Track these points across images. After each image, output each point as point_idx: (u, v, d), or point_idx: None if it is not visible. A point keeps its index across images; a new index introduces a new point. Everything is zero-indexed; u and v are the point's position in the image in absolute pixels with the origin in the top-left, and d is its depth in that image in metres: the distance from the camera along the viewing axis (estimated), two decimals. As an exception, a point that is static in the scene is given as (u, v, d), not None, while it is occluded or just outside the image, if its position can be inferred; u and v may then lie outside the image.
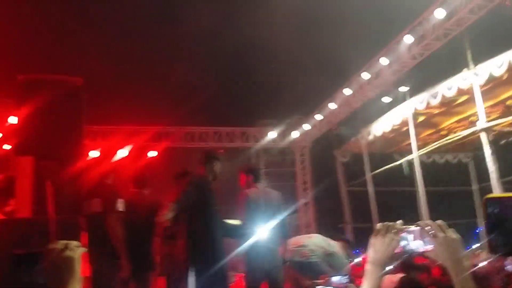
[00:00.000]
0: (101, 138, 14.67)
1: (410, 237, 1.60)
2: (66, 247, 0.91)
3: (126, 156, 14.44)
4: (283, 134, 16.59)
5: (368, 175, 13.71)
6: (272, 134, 16.44)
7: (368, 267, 1.76)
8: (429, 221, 1.57)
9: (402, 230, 1.64)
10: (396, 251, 1.65)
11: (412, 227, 1.61)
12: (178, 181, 5.34)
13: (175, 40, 14.13)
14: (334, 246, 5.72)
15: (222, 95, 16.22)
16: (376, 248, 1.70)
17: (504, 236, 0.65)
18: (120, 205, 5.07)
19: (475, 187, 14.96)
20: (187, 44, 14.56)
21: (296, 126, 16.09)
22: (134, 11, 13.37)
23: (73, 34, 11.81)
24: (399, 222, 1.67)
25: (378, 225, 1.73)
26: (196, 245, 4.42)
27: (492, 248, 0.67)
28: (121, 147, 14.69)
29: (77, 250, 0.91)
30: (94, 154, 12.74)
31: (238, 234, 4.90)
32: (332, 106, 14.04)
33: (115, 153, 14.36)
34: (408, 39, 10.65)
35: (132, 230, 5.05)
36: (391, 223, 1.68)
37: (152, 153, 15.36)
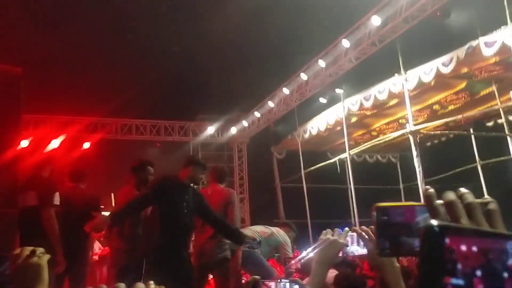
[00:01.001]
0: (32, 127, 14.12)
1: (349, 241, 1.82)
2: (32, 253, 0.96)
3: (59, 147, 13.98)
4: (222, 130, 16.70)
5: (303, 172, 14.08)
6: (210, 129, 16.50)
7: (315, 265, 1.94)
8: (358, 228, 1.78)
9: (346, 235, 1.85)
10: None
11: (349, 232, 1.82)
12: (135, 174, 5.30)
13: (115, 29, 13.81)
14: (272, 229, 5.91)
15: (161, 88, 16.03)
16: (323, 249, 1.89)
17: (390, 240, 0.76)
18: (56, 199, 4.96)
19: (402, 185, 15.73)
20: (127, 33, 14.26)
21: (234, 122, 16.24)
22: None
23: (5, 20, 11.26)
24: (346, 229, 1.88)
25: (324, 231, 1.93)
26: (153, 243, 4.45)
27: (380, 251, 0.79)
28: (55, 137, 14.21)
29: (43, 257, 0.96)
30: (24, 143, 12.25)
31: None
32: (270, 104, 14.31)
33: (48, 143, 13.87)
34: (346, 43, 11.06)
35: (68, 225, 4.96)
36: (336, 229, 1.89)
37: (87, 145, 14.97)
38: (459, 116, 10.41)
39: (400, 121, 12.30)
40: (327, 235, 1.95)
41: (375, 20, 10.22)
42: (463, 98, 10.87)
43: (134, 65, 15.40)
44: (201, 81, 16.43)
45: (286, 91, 13.52)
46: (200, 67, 15.33)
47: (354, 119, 12.56)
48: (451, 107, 11.23)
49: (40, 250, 0.95)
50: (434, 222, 0.47)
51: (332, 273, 4.13)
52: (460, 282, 0.45)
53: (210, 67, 15.32)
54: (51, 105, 14.15)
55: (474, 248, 0.46)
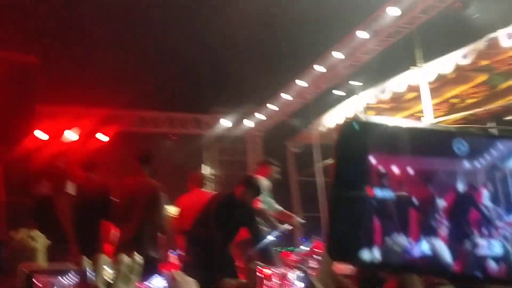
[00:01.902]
0: (47, 118, 14.20)
1: None
2: (29, 237, 0.92)
3: (75, 139, 14.06)
4: (236, 123, 16.66)
5: (318, 166, 13.98)
6: (225, 122, 16.47)
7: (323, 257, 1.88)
8: None
9: None
10: None
11: None
12: (141, 164, 5.27)
13: (131, 21, 13.83)
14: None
15: (177, 80, 16.04)
16: None
17: None
18: (70, 188, 4.98)
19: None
20: (143, 25, 14.27)
21: (249, 115, 16.18)
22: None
23: (21, 12, 11.34)
24: None
25: None
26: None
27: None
28: (69, 128, 14.28)
29: (40, 240, 0.92)
30: (40, 135, 12.34)
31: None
32: (285, 96, 14.21)
33: (62, 135, 13.95)
34: (362, 34, 10.91)
35: (80, 213, 4.98)
36: None
37: (102, 137, 15.03)
38: (479, 110, 10.22)
39: (417, 115, 12.11)
40: None
41: (393, 11, 10.06)
42: (483, 92, 10.65)
43: (149, 57, 15.44)
44: (217, 74, 16.40)
45: (301, 83, 13.41)
46: (216, 59, 15.29)
47: (371, 113, 12.39)
48: (470, 101, 11.02)
49: (38, 234, 0.90)
50: (355, 120, 0.39)
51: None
52: (387, 194, 0.38)
53: (226, 60, 15.28)
54: (67, 97, 14.22)
55: (408, 160, 0.39)
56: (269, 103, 15.05)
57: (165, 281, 4.72)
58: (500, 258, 0.38)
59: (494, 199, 0.41)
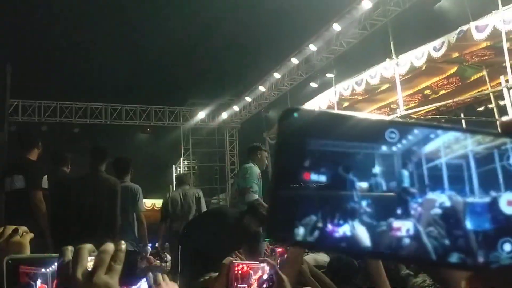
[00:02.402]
0: (21, 112, 13.97)
1: None
2: (15, 232, 0.93)
3: (47, 132, 13.86)
4: (213, 115, 16.64)
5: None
6: (201, 114, 16.44)
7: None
8: None
9: None
10: None
11: None
12: (97, 160, 5.15)
13: (106, 14, 13.65)
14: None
15: (152, 73, 15.92)
16: None
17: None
18: (45, 182, 4.91)
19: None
20: (118, 18, 14.10)
21: (225, 107, 16.18)
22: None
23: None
24: None
25: None
26: None
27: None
28: (43, 122, 14.09)
29: (26, 236, 0.94)
30: (12, 128, 12.13)
31: None
32: (261, 88, 14.25)
33: (37, 128, 13.75)
34: (337, 27, 10.99)
35: (54, 207, 4.91)
36: None
37: (74, 129, 14.84)
38: (450, 101, 10.40)
39: (391, 106, 12.28)
40: None
41: (366, 4, 10.16)
42: (454, 83, 10.84)
43: (124, 49, 15.27)
44: (192, 66, 16.34)
45: (277, 75, 13.47)
46: (191, 52, 15.23)
47: (345, 104, 12.51)
48: (442, 92, 11.21)
49: (23, 228, 0.92)
50: (292, 108, 0.44)
51: (316, 255, 4.14)
52: (322, 179, 0.42)
53: (201, 52, 15.22)
54: (39, 90, 14.00)
55: (339, 145, 0.43)
56: (246, 95, 15.06)
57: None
58: (411, 238, 0.43)
59: (411, 182, 0.46)
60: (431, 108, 11.10)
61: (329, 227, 0.42)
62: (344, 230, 0.42)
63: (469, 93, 11.07)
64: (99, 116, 15.19)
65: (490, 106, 10.64)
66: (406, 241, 0.42)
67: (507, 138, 0.44)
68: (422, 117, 11.22)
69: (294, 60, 12.63)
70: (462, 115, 11.74)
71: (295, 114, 0.42)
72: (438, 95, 11.36)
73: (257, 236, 4.59)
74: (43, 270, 1.07)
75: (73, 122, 14.82)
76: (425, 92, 11.49)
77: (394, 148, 0.42)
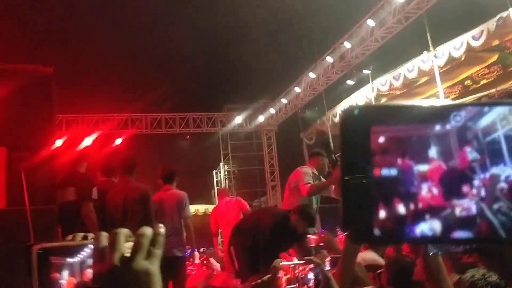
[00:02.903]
0: (65, 126, 14.44)
1: None
2: (85, 239, 0.96)
3: (92, 144, 14.27)
4: (249, 119, 16.73)
5: (334, 157, 13.96)
6: (238, 119, 16.55)
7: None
8: None
9: None
10: None
11: None
12: (127, 172, 5.31)
13: (142, 28, 13.95)
14: None
15: (188, 81, 16.14)
16: None
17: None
18: (94, 193, 5.07)
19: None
20: (153, 31, 14.39)
21: (262, 110, 16.24)
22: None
23: (37, 22, 11.52)
24: None
25: None
26: None
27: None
28: (87, 135, 14.51)
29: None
30: (58, 143, 12.52)
31: None
32: (297, 89, 14.23)
33: (81, 141, 14.17)
34: (370, 22, 10.87)
35: (104, 218, 5.06)
36: None
37: (119, 141, 15.24)
38: (493, 90, 10.12)
39: (431, 99, 12.04)
40: None
41: (400, -3, 10.01)
42: (496, 72, 10.55)
43: (160, 60, 15.54)
44: (227, 72, 16.46)
45: (312, 75, 13.42)
46: (225, 58, 15.35)
47: (383, 100, 12.36)
48: (483, 82, 10.92)
49: (90, 235, 0.94)
50: (355, 106, 0.44)
51: (367, 253, 4.09)
52: (393, 172, 0.41)
53: (235, 57, 15.32)
54: (82, 104, 14.43)
55: (401, 134, 0.43)
56: (281, 97, 15.08)
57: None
58: (478, 217, 0.43)
59: (476, 159, 0.46)
60: (472, 99, 10.83)
61: (405, 219, 0.42)
62: (419, 220, 0.42)
63: (511, 81, 10.75)
64: (141, 126, 15.54)
65: (535, 93, 10.30)
66: (477, 221, 0.42)
67: None
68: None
69: (329, 59, 12.56)
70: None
71: (356, 112, 0.43)
72: (479, 85, 11.08)
73: (305, 236, 4.61)
74: (70, 260, 1.04)
75: (115, 133, 15.22)
76: (466, 82, 11.23)
77: (454, 129, 0.42)
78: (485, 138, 0.45)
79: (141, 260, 0.73)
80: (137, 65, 14.77)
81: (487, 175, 0.45)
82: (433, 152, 0.46)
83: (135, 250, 0.74)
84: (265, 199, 17.65)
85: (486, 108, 0.46)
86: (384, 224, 0.44)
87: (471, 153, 0.46)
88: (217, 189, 9.20)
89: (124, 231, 0.76)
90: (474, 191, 0.46)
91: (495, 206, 0.44)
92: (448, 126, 0.46)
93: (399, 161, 0.45)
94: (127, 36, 14.39)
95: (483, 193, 0.45)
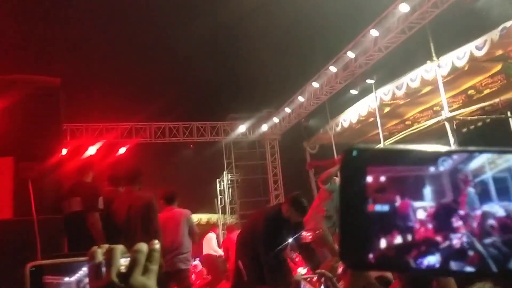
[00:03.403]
0: (70, 136, 14.49)
1: None
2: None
3: (96, 154, 14.31)
4: (253, 128, 16.76)
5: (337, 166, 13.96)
6: (242, 128, 16.58)
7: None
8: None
9: None
10: None
11: None
12: (130, 182, 5.34)
13: (147, 37, 14.04)
14: None
15: (192, 90, 16.21)
16: None
17: None
18: (101, 203, 5.08)
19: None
20: (156, 41, 14.48)
21: (265, 119, 16.28)
22: (101, 9, 13.21)
23: (43, 33, 11.62)
24: None
25: None
26: None
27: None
28: (91, 144, 14.56)
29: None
30: (63, 152, 12.57)
31: None
32: (300, 99, 14.27)
33: (85, 151, 14.22)
34: (374, 32, 10.92)
35: (110, 228, 5.07)
36: None
37: (123, 150, 15.29)
38: (496, 100, 10.14)
39: (434, 108, 12.06)
40: None
41: (403, 7, 10.06)
42: (499, 81, 10.57)
43: (164, 69, 15.62)
44: (231, 81, 16.53)
45: (316, 85, 13.46)
46: (229, 67, 15.42)
47: (387, 109, 12.38)
48: (487, 91, 10.94)
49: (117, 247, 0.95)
50: (353, 147, 0.49)
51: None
52: (385, 208, 0.46)
53: (239, 67, 15.39)
54: (86, 114, 14.50)
55: (395, 174, 0.48)
56: (285, 107, 15.12)
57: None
58: (469, 250, 0.47)
59: (467, 199, 0.51)
60: (476, 109, 10.84)
61: (396, 249, 0.46)
62: (410, 251, 0.46)
63: (515, 90, 10.76)
64: (145, 135, 15.59)
65: (539, 102, 10.31)
66: (468, 254, 0.45)
67: None
68: (468, 117, 10.97)
69: (333, 68, 12.61)
70: (509, 114, 11.40)
71: (355, 153, 0.47)
72: (482, 95, 11.09)
73: (301, 226, 4.59)
74: (66, 279, 0.99)
75: (119, 142, 15.28)
76: (469, 92, 11.25)
77: (446, 171, 0.47)
78: (475, 179, 0.50)
79: (138, 275, 0.74)
80: (142, 74, 14.85)
81: (478, 212, 0.49)
82: (427, 191, 0.50)
83: (132, 266, 0.74)
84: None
85: (476, 154, 0.51)
86: (376, 253, 0.48)
87: (462, 193, 0.50)
88: (226, 225, 10.23)
89: (119, 247, 0.76)
90: (466, 226, 0.49)
91: (486, 241, 0.48)
92: (441, 168, 0.50)
93: (393, 198, 0.49)
94: (132, 46, 14.48)
95: (474, 228, 0.48)
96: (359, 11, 11.26)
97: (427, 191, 0.46)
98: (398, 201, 0.47)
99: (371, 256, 0.47)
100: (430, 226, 0.47)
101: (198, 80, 16.16)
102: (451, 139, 9.75)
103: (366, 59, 11.79)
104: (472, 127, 13.19)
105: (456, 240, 0.46)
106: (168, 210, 5.84)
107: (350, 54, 11.84)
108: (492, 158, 0.49)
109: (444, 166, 0.49)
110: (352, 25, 11.66)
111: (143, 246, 0.77)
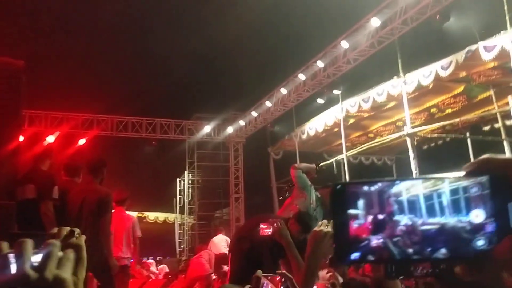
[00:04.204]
0: (28, 122, 14.04)
1: None
2: (72, 234, 0.92)
3: (54, 143, 13.92)
4: (218, 129, 16.69)
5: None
6: (207, 128, 16.48)
7: (309, 258, 1.96)
8: None
9: None
10: None
11: None
12: (92, 172, 5.23)
13: (113, 27, 13.77)
14: None
15: (158, 86, 16.00)
16: (318, 241, 1.93)
17: None
18: (55, 192, 4.93)
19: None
20: (125, 32, 14.22)
21: (231, 121, 16.23)
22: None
23: (6, 15, 11.23)
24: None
25: (320, 222, 1.99)
26: None
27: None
28: (50, 133, 14.16)
29: (81, 238, 0.92)
30: (20, 138, 12.16)
31: None
32: (268, 103, 14.30)
33: (43, 139, 13.81)
34: (344, 44, 11.07)
35: (63, 218, 4.93)
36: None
37: (82, 141, 14.92)
38: (457, 120, 10.44)
39: (397, 123, 12.32)
40: (321, 226, 1.97)
41: (375, 22, 10.25)
42: (461, 102, 10.89)
43: (131, 62, 15.37)
44: (199, 80, 16.42)
45: (283, 91, 13.53)
46: (198, 66, 15.32)
47: (351, 121, 12.56)
48: (448, 111, 11.26)
49: (77, 230, 0.91)
50: (338, 183, 0.70)
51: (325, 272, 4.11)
52: (361, 221, 0.65)
53: (208, 66, 15.31)
54: (46, 101, 14.09)
55: (367, 196, 0.68)
56: (252, 110, 15.12)
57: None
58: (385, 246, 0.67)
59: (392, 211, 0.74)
60: (437, 127, 11.14)
61: (365, 254, 0.67)
62: (357, 248, 0.68)
63: (475, 112, 11.12)
64: (106, 128, 15.26)
65: (496, 125, 10.67)
66: (383, 248, 0.66)
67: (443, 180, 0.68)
68: (429, 135, 11.25)
69: (301, 76, 12.70)
70: (467, 134, 11.76)
71: (338, 187, 0.68)
72: (444, 114, 11.41)
73: (304, 243, 4.51)
74: None
75: (79, 133, 14.92)
76: (432, 110, 11.54)
77: (377, 192, 0.69)
78: (396, 198, 0.71)
79: (52, 268, 0.74)
80: (107, 65, 14.56)
81: (393, 219, 0.69)
82: (368, 205, 0.71)
83: (45, 259, 0.74)
84: (227, 211, 17.58)
85: (397, 181, 0.73)
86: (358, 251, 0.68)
87: (386, 207, 0.71)
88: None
89: (29, 241, 0.75)
90: (386, 229, 0.70)
91: (394, 240, 0.69)
92: (373, 189, 0.72)
93: (360, 212, 0.69)
94: (99, 35, 14.19)
95: (389, 231, 0.68)
96: (331, 22, 11.41)
97: (366, 204, 0.69)
98: (362, 213, 0.70)
99: (353, 256, 0.68)
100: (369, 228, 0.69)
101: (165, 76, 15.97)
102: (411, 155, 9.96)
103: (334, 69, 11.94)
104: (432, 144, 13.57)
105: (378, 240, 0.67)
106: (118, 211, 6.21)
107: (319, 64, 11.97)
108: (409, 185, 0.69)
109: (377, 187, 0.70)
110: (324, 35, 11.80)
111: (56, 242, 0.77)
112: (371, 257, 0.66)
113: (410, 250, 0.66)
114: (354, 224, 0.65)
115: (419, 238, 0.66)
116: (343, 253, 0.65)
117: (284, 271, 1.85)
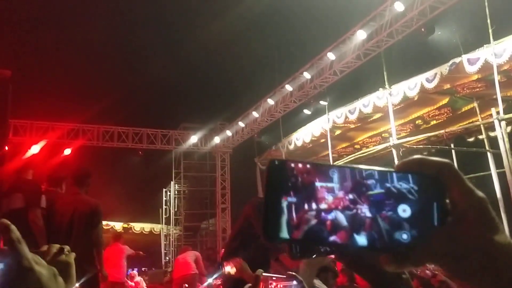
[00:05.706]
0: (12, 132, 13.88)
1: None
2: (61, 251, 0.92)
3: (39, 152, 13.77)
4: (205, 139, 16.67)
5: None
6: (193, 138, 16.46)
7: (303, 266, 1.96)
8: None
9: None
10: None
11: None
12: (77, 183, 5.19)
13: (99, 36, 13.74)
14: None
15: (145, 96, 15.96)
16: None
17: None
18: (43, 201, 4.91)
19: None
20: (111, 41, 14.20)
21: (218, 131, 16.23)
22: (54, 7, 12.85)
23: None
24: None
25: None
26: None
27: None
28: (35, 142, 14.01)
29: (71, 255, 0.93)
30: (9, 148, 12.02)
31: None
32: (255, 114, 14.35)
33: (28, 149, 13.66)
34: (331, 56, 11.19)
35: (51, 229, 4.90)
36: None
37: (67, 151, 14.79)
38: (442, 131, 10.57)
39: (383, 135, 12.43)
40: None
41: (361, 34, 10.38)
42: (446, 114, 11.05)
43: (117, 72, 15.32)
44: (186, 90, 16.42)
45: (270, 101, 13.60)
46: (185, 76, 15.32)
47: (338, 132, 12.64)
48: (433, 122, 11.40)
49: (67, 248, 0.91)
50: (276, 159, 0.65)
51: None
52: (294, 199, 0.62)
53: (195, 76, 15.33)
54: (31, 110, 13.97)
55: (304, 175, 0.65)
56: (239, 121, 15.15)
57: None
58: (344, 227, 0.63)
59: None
60: (422, 138, 11.27)
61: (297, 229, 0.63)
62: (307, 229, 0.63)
63: (459, 124, 11.27)
64: (91, 138, 15.15)
65: (480, 137, 10.82)
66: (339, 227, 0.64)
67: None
68: (414, 146, 11.37)
69: (288, 87, 12.80)
70: (452, 145, 11.91)
71: (278, 163, 0.64)
72: (429, 125, 11.55)
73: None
74: None
75: (64, 143, 14.78)
76: (417, 122, 11.68)
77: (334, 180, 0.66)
78: (326, 184, 0.68)
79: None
80: (94, 76, 14.50)
81: (319, 205, 0.65)
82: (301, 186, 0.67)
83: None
84: (214, 221, 17.51)
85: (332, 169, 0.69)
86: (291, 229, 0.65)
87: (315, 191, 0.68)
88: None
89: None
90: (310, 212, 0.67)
91: (314, 224, 0.66)
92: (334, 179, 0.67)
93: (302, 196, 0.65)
94: (84, 44, 14.14)
95: (313, 215, 0.66)
96: (318, 34, 11.53)
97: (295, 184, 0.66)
98: (305, 198, 0.65)
99: (283, 234, 0.63)
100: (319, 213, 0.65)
101: (152, 85, 15.95)
102: (397, 166, 10.03)
103: (321, 81, 12.04)
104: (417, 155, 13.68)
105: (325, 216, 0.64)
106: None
107: (306, 75, 12.07)
108: (341, 172, 0.67)
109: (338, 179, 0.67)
110: (310, 47, 11.93)
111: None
112: (297, 235, 0.64)
113: (331, 237, 0.64)
114: (285, 203, 0.63)
115: (341, 225, 0.65)
116: (272, 232, 0.63)
117: (294, 273, 1.85)
